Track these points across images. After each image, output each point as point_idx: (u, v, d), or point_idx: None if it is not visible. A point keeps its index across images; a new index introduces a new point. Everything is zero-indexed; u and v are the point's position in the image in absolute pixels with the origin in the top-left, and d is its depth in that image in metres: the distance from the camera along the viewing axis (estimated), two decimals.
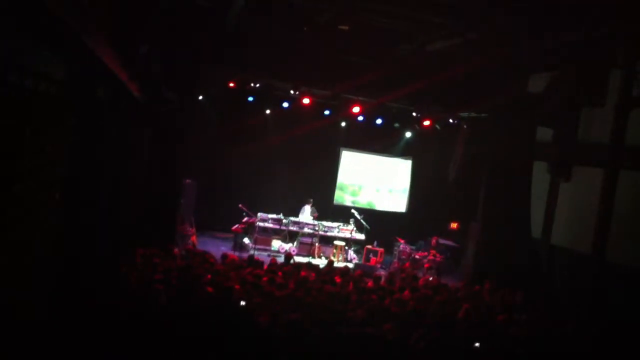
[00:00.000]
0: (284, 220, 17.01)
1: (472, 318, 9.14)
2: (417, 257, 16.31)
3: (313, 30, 13.49)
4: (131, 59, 9.84)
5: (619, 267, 12.63)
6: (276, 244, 16.98)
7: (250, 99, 16.95)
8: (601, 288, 12.24)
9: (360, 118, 17.77)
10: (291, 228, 17.17)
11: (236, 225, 16.47)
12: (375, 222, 17.96)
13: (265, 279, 9.86)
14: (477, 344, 7.89)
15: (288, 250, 16.21)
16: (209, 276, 9.54)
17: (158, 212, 13.51)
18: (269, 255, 15.30)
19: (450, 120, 17.65)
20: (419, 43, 13.44)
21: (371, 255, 16.64)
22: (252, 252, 15.60)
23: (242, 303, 8.06)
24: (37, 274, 6.32)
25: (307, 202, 17.85)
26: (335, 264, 14.27)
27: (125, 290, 7.62)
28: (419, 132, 18.86)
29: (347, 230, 17.35)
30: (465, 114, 17.03)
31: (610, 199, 12.14)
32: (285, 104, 16.98)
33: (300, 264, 12.38)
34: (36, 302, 6.48)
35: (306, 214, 17.68)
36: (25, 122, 5.44)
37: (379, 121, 18.13)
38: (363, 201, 20.05)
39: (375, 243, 17.06)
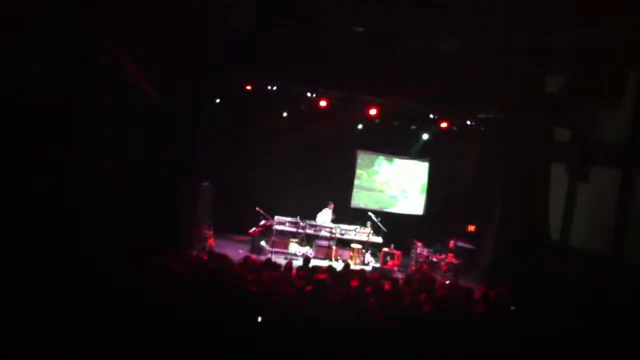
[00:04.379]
0: (301, 223, 17.04)
1: (489, 319, 9.09)
2: (434, 259, 16.26)
3: (329, 32, 13.51)
4: (146, 61, 9.90)
5: (638, 268, 12.51)
6: (293, 247, 16.97)
7: (267, 101, 16.96)
8: (620, 289, 12.13)
9: (377, 120, 17.74)
10: (308, 231, 17.18)
11: (253, 228, 16.53)
12: (393, 224, 17.94)
13: (282, 281, 9.87)
14: (494, 345, 7.86)
15: (305, 253, 16.21)
16: (227, 278, 9.55)
17: (175, 215, 13.54)
18: (286, 258, 15.29)
19: (468, 122, 17.59)
20: (436, 43, 13.43)
21: (388, 258, 16.59)
22: (269, 255, 15.62)
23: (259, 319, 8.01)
24: (37, 276, 6.36)
25: (328, 206, 17.86)
26: (352, 267, 14.23)
27: (141, 292, 7.64)
28: (436, 134, 18.81)
29: (364, 233, 17.34)
30: (482, 115, 16.96)
31: (629, 200, 12.05)
32: (302, 106, 16.98)
33: (318, 267, 12.36)
34: (35, 304, 6.51)
35: (326, 217, 17.68)
36: (30, 125, 5.47)
37: (395, 123, 18.09)
38: (380, 203, 20.04)
39: (392, 246, 17.03)
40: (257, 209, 16.69)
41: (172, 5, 11.43)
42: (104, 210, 9.33)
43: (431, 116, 17.47)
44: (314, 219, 17.58)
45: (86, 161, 7.50)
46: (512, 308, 10.43)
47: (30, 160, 5.84)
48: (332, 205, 17.85)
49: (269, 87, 16.15)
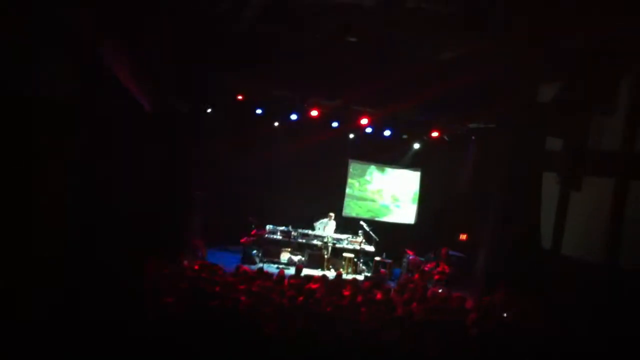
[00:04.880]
0: (293, 233, 16.99)
1: (483, 328, 9.06)
2: (426, 268, 16.22)
3: (321, 42, 13.49)
4: (142, 70, 9.87)
5: (632, 276, 12.49)
6: (285, 256, 16.91)
7: (259, 111, 16.93)
8: (614, 297, 12.11)
9: (369, 129, 17.72)
10: (300, 240, 17.13)
11: (245, 238, 16.45)
12: (384, 233, 17.92)
13: (274, 291, 9.82)
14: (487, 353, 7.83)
15: (297, 263, 16.15)
16: (217, 288, 9.50)
17: (168, 224, 13.49)
18: (277, 268, 15.24)
19: (459, 132, 17.59)
20: (426, 53, 13.43)
21: (380, 267, 16.56)
22: (261, 264, 15.56)
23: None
24: (39, 279, 6.32)
25: (328, 217, 17.79)
26: (344, 276, 14.19)
27: (133, 301, 7.59)
28: (428, 143, 18.81)
29: (356, 242, 17.30)
30: (474, 125, 16.97)
31: (622, 209, 12.04)
32: (294, 116, 16.95)
33: (310, 276, 12.31)
34: (36, 304, 6.47)
35: (330, 227, 17.64)
36: (38, 131, 5.45)
37: (387, 132, 18.07)
38: (372, 212, 20.00)
39: (384, 255, 17.00)
40: (249, 217, 16.64)
41: (171, 13, 11.40)
42: (101, 211, 9.30)
43: (422, 126, 17.46)
44: (307, 227, 17.51)
45: (84, 163, 7.47)
46: (505, 315, 10.42)
47: (30, 161, 5.81)
48: (332, 215, 17.78)
49: (261, 97, 16.09)
